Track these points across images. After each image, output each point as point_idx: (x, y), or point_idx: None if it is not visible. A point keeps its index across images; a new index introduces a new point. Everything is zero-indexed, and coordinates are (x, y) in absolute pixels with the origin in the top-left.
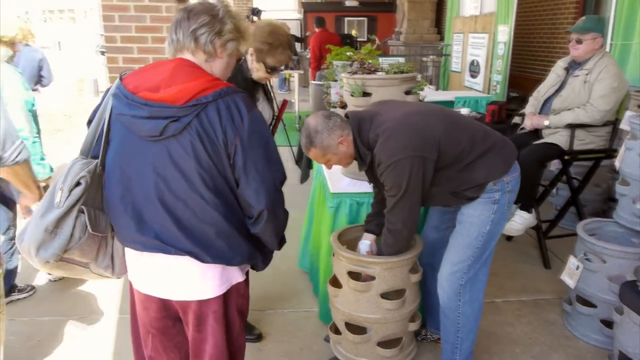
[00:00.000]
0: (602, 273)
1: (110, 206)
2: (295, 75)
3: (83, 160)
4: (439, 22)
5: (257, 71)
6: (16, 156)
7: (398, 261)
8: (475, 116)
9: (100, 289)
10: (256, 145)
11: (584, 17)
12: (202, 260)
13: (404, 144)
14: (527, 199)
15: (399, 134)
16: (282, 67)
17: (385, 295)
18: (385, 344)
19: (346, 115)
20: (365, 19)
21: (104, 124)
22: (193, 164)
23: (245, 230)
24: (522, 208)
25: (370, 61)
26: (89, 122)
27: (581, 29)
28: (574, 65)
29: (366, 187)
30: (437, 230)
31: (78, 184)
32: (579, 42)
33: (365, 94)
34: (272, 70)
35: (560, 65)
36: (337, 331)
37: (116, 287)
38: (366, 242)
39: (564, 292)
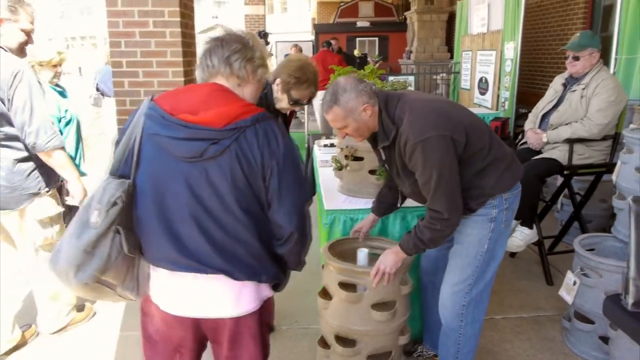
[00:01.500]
0: (598, 288)
1: (143, 226)
2: None
3: (117, 180)
4: (449, 40)
5: (280, 101)
6: (47, 142)
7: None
8: None
9: (101, 306)
10: (290, 170)
11: (578, 34)
12: (236, 279)
13: (432, 122)
14: (527, 215)
15: (428, 113)
16: (305, 101)
17: (375, 308)
18: (374, 357)
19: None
20: (377, 38)
21: (134, 144)
22: (229, 185)
23: (273, 251)
24: (522, 224)
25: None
26: (117, 143)
27: (577, 46)
28: (572, 81)
29: (361, 204)
30: (438, 248)
31: (114, 204)
32: (576, 59)
33: (357, 159)
34: (294, 102)
35: (558, 80)
36: (325, 345)
37: (116, 305)
38: (364, 250)
39: (564, 308)
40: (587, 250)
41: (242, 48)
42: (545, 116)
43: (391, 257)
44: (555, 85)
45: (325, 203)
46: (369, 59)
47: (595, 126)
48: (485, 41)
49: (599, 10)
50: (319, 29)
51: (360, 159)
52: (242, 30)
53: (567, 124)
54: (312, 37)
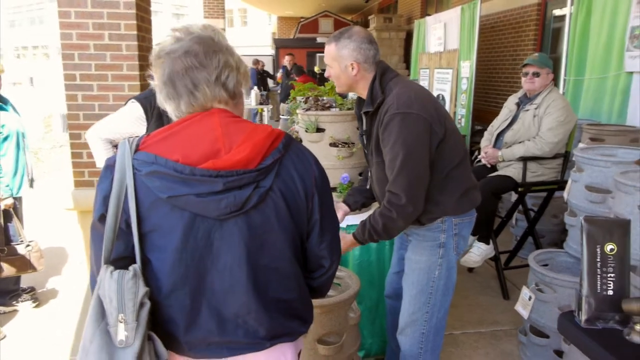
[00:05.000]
0: (553, 303)
1: (174, 317)
2: (265, 110)
3: (128, 272)
4: (407, 58)
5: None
6: None
7: (334, 304)
8: None
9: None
10: (327, 191)
11: (536, 54)
12: (294, 339)
13: (419, 102)
14: (484, 230)
15: (418, 93)
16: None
17: (322, 340)
18: None
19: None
20: None
21: (127, 215)
22: (278, 231)
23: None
24: (479, 239)
25: (330, 97)
26: (102, 218)
27: (539, 62)
28: (525, 100)
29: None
30: (400, 275)
31: (142, 305)
32: (536, 75)
33: (319, 130)
34: None
35: (512, 100)
36: None
37: None
38: None
39: (520, 322)
40: (541, 265)
41: (224, 57)
42: (500, 134)
43: (346, 245)
44: (509, 105)
45: None
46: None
47: (547, 144)
48: (442, 60)
49: (548, 32)
50: (279, 44)
51: (321, 130)
52: (197, 25)
53: (520, 142)
54: (273, 52)
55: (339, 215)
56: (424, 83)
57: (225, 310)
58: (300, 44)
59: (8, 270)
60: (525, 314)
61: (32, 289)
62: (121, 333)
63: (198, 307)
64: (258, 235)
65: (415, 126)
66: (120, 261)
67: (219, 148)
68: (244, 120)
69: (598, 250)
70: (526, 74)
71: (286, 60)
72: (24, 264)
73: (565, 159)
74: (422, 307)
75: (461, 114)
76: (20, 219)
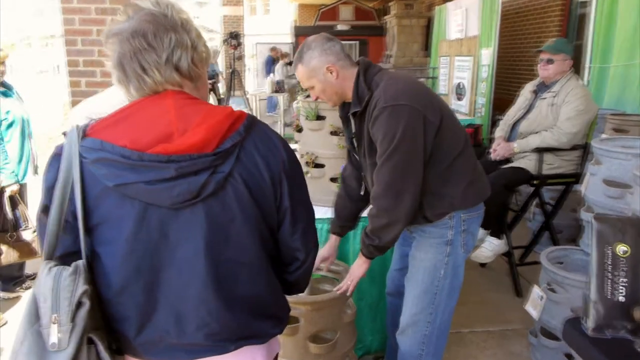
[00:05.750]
0: (565, 304)
1: (127, 316)
2: (281, 98)
3: (67, 269)
4: (427, 45)
5: None
6: None
7: (327, 301)
8: None
9: None
10: (299, 176)
11: (554, 39)
12: (265, 341)
13: (408, 93)
14: (496, 225)
15: (407, 84)
16: None
17: (316, 338)
18: None
19: (357, 62)
20: (356, 42)
21: (74, 207)
22: (242, 221)
23: (283, 283)
24: (491, 234)
25: None
26: (45, 209)
27: (552, 49)
28: (542, 88)
29: (320, 213)
30: (402, 273)
31: (80, 304)
32: (550, 62)
33: (319, 117)
34: None
35: (528, 88)
36: None
37: None
38: None
39: (532, 322)
40: (555, 263)
41: (177, 35)
42: (515, 124)
43: (362, 268)
44: (525, 93)
45: None
46: None
47: (564, 135)
48: (463, 47)
49: (574, 18)
50: (298, 32)
51: (321, 165)
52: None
53: (536, 133)
54: (292, 40)
55: (324, 253)
56: (443, 71)
57: (183, 309)
58: (319, 32)
59: (13, 256)
60: (535, 314)
61: (35, 276)
62: (54, 335)
63: (153, 305)
64: (219, 225)
65: (406, 118)
66: (70, 257)
67: (172, 131)
68: (202, 102)
69: (608, 251)
70: (541, 60)
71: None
72: (30, 250)
73: (584, 150)
74: (426, 308)
75: (481, 102)
76: (25, 206)
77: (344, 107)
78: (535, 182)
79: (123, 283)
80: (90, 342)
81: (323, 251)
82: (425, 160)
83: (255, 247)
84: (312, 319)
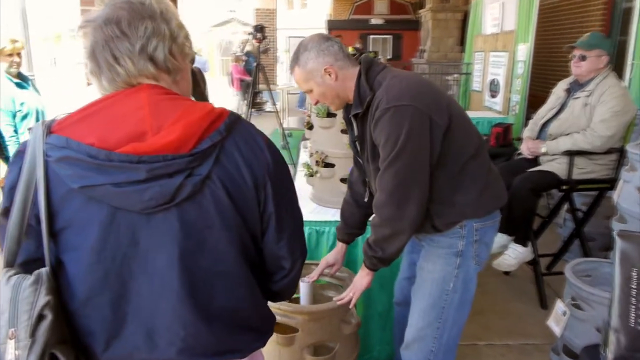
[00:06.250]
0: (590, 322)
1: (93, 330)
2: None
3: (28, 278)
4: (463, 40)
5: None
6: None
7: (325, 311)
8: None
9: None
10: (286, 179)
11: (589, 34)
12: (244, 355)
13: (413, 93)
14: (521, 231)
15: (411, 84)
16: None
17: (321, 348)
18: None
19: (358, 61)
20: (391, 37)
21: (37, 210)
22: (220, 227)
23: (266, 294)
24: (516, 241)
25: None
26: (6, 212)
27: (586, 45)
28: (576, 87)
29: (329, 215)
30: (411, 282)
31: (41, 317)
32: (583, 58)
33: (330, 115)
34: None
35: (561, 86)
36: None
37: None
38: (304, 280)
39: (555, 337)
40: (582, 276)
41: (154, 24)
42: (545, 125)
43: (365, 280)
44: (558, 91)
45: None
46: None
47: (598, 138)
48: (498, 42)
49: (618, 12)
50: (331, 25)
51: (331, 165)
52: None
53: (567, 135)
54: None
55: (329, 259)
56: (477, 67)
57: (154, 322)
58: (353, 26)
59: None
60: (558, 331)
61: None
62: (10, 352)
63: (122, 318)
64: (194, 232)
65: (410, 120)
66: (32, 264)
67: (144, 130)
68: (180, 97)
69: (634, 273)
70: (573, 56)
71: None
72: None
73: (621, 154)
74: (433, 323)
75: (515, 100)
76: None
77: (347, 108)
78: (564, 187)
79: (88, 293)
80: (54, 358)
81: (329, 257)
82: (432, 165)
83: (235, 255)
84: (310, 329)
